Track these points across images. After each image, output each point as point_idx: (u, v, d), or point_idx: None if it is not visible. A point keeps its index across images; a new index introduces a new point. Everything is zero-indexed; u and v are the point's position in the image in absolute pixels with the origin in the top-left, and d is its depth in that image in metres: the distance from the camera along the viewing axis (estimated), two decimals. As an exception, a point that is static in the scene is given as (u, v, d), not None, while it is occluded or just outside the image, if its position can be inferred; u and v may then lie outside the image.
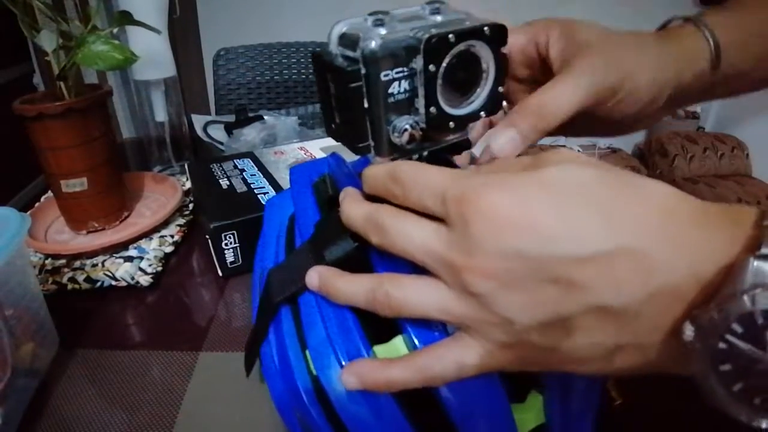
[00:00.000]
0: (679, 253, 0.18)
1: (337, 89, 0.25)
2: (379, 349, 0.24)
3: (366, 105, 0.24)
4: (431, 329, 0.23)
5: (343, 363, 0.23)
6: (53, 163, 0.53)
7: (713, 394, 0.18)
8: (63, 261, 0.54)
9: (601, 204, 0.19)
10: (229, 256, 0.52)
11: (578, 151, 2.47)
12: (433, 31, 0.22)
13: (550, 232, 0.19)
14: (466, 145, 0.28)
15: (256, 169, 0.64)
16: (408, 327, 0.23)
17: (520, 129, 0.27)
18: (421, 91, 0.24)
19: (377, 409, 0.23)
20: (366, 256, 0.25)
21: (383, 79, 0.23)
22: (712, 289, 0.17)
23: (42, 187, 0.66)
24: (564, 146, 2.26)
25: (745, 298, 0.16)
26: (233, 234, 0.51)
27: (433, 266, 0.21)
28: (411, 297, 0.22)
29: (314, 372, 0.24)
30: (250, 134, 0.82)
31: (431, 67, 0.23)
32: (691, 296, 0.18)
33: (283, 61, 1.36)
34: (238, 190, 0.58)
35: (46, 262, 0.54)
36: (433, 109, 0.24)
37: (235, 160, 0.66)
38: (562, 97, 0.28)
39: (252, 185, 0.59)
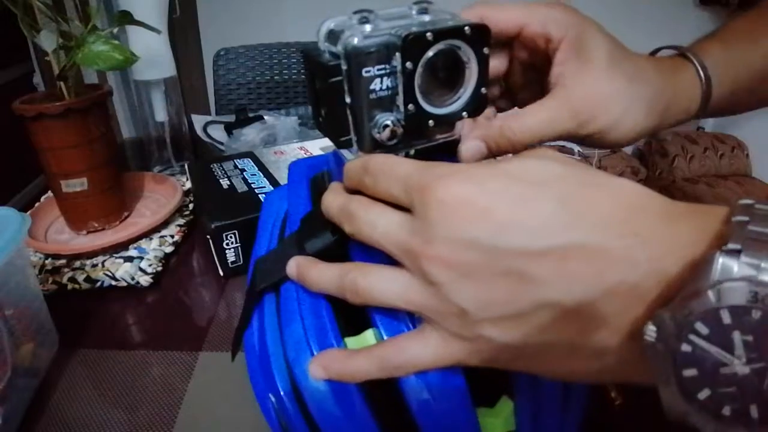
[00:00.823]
0: (641, 249, 0.17)
1: (320, 83, 0.26)
2: (350, 341, 0.24)
3: (348, 100, 0.25)
4: (399, 322, 0.23)
5: (315, 353, 0.24)
6: (53, 163, 0.53)
7: (676, 403, 0.16)
8: (63, 261, 0.54)
9: (561, 198, 0.19)
10: (231, 256, 0.52)
11: (578, 150, 2.45)
12: (413, 29, 0.23)
13: (504, 222, 0.19)
14: (456, 145, 0.29)
15: (257, 168, 0.64)
16: (377, 320, 0.23)
17: (487, 143, 0.28)
18: (400, 89, 0.24)
19: (344, 403, 0.23)
20: (346, 249, 0.26)
21: (365, 75, 0.24)
22: (676, 287, 0.17)
23: (42, 187, 0.66)
24: (564, 146, 2.26)
25: (710, 293, 0.15)
26: (234, 234, 0.51)
27: (396, 254, 0.22)
28: (376, 285, 0.22)
29: (288, 360, 0.25)
30: (250, 134, 0.82)
31: (408, 65, 0.23)
32: (653, 295, 0.17)
33: (283, 61, 1.35)
34: (239, 190, 0.58)
35: (46, 262, 0.54)
36: (411, 107, 0.24)
37: (235, 160, 0.66)
38: (532, 130, 0.29)
39: (253, 185, 0.59)
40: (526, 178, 0.20)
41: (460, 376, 0.23)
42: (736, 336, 0.15)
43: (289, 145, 0.73)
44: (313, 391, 0.23)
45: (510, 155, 0.21)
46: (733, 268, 0.15)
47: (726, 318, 0.15)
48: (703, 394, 0.16)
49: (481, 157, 0.28)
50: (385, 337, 0.23)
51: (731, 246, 0.16)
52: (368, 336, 0.24)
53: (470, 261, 0.19)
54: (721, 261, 0.15)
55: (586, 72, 0.29)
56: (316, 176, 0.35)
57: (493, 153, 0.29)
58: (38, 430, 0.37)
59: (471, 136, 0.27)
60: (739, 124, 2.21)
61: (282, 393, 0.24)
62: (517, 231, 0.19)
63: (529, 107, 0.30)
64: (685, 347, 0.16)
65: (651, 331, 0.16)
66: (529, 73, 0.33)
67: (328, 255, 0.26)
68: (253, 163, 0.65)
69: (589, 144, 0.31)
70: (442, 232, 0.20)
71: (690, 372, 0.16)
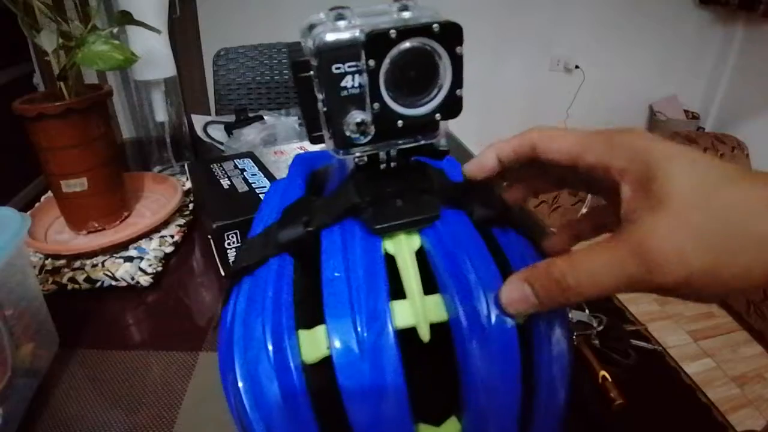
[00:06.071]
0: None
1: (294, 79, 0.26)
2: (303, 334, 0.24)
3: (320, 96, 0.25)
4: (346, 319, 0.23)
5: (269, 346, 0.24)
6: (53, 163, 0.53)
7: None
8: (63, 261, 0.54)
9: None
10: (232, 256, 0.52)
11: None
12: (380, 26, 0.23)
13: None
14: (440, 149, 0.28)
15: (257, 168, 0.64)
16: (327, 317, 0.23)
17: (536, 293, 0.23)
18: (366, 87, 0.24)
19: (292, 409, 0.23)
20: (318, 242, 0.27)
21: (335, 71, 0.23)
22: None
23: (42, 187, 0.66)
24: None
25: None
26: (236, 233, 0.51)
27: None
28: None
29: (247, 359, 0.25)
30: (250, 134, 0.82)
31: (371, 63, 0.23)
32: None
33: (283, 61, 1.35)
34: (240, 190, 0.58)
35: (46, 262, 0.54)
36: (376, 105, 0.24)
37: (235, 160, 0.66)
38: (590, 272, 0.23)
39: (253, 185, 0.59)
40: None
41: (404, 396, 0.22)
42: None
43: (289, 145, 0.73)
44: (266, 393, 0.24)
45: None
46: None
47: None
48: None
49: (527, 308, 0.23)
50: (331, 336, 0.23)
51: None
52: (319, 332, 0.24)
53: None
54: None
55: (658, 213, 0.22)
56: (317, 170, 0.36)
57: (542, 303, 0.23)
58: (38, 430, 0.37)
59: (520, 275, 0.23)
60: (739, 124, 2.21)
61: (240, 385, 0.24)
62: None
63: (587, 248, 0.24)
64: None
65: None
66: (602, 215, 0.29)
67: (300, 246, 0.27)
68: (253, 163, 0.65)
69: (669, 296, 0.24)
70: None
71: None
